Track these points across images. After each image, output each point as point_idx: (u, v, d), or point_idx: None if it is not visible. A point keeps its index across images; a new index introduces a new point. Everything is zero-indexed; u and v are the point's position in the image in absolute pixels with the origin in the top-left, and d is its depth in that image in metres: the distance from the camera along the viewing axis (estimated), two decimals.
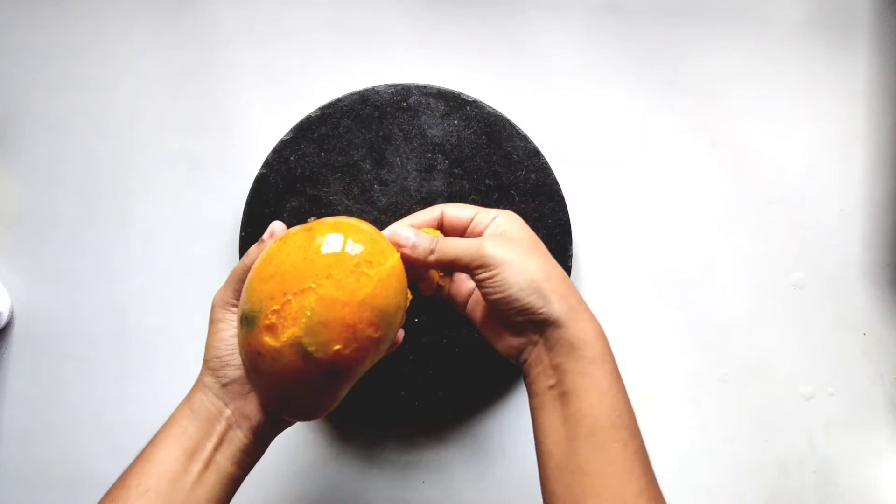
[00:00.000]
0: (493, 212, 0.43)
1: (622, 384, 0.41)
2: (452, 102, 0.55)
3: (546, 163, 0.55)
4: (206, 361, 0.42)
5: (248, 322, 0.37)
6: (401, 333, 0.44)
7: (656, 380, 0.58)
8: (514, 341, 0.41)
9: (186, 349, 0.57)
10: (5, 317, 0.56)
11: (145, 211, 0.58)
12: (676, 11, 0.58)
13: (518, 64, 0.58)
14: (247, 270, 0.41)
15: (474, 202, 0.54)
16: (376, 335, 0.37)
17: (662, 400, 0.57)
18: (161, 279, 0.57)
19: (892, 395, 0.58)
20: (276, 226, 0.43)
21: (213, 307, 0.42)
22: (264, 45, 0.58)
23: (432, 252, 0.41)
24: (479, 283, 0.40)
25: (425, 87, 0.55)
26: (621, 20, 0.58)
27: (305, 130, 0.55)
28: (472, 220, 0.43)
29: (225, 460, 0.40)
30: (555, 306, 0.39)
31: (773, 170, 0.58)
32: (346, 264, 0.37)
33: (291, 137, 0.55)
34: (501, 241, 0.41)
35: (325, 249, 0.37)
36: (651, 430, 0.57)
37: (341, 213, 0.54)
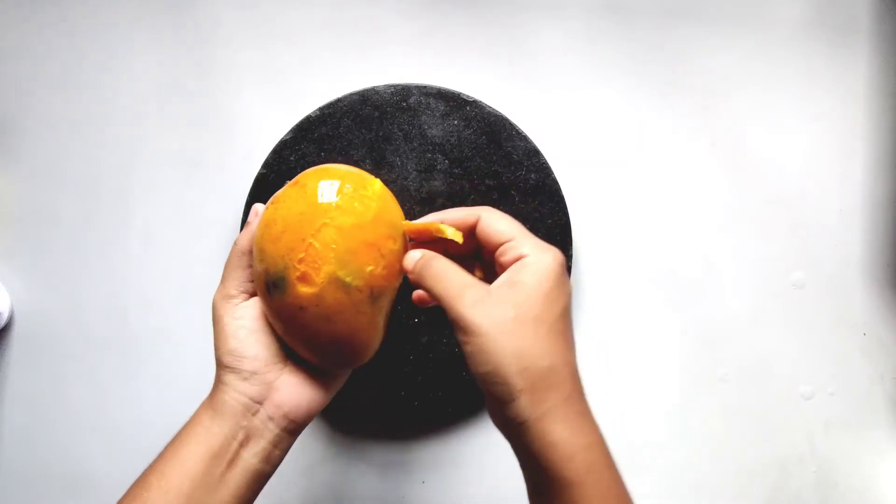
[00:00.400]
0: (527, 245, 0.36)
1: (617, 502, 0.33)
2: (452, 102, 0.55)
3: (546, 163, 0.55)
4: (219, 360, 0.40)
5: (276, 287, 0.38)
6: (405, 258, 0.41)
7: (656, 380, 0.58)
8: (494, 417, 0.35)
9: (186, 349, 0.57)
10: (5, 317, 0.56)
11: (145, 211, 0.58)
12: (676, 11, 0.58)
13: (518, 64, 0.58)
14: (242, 257, 0.40)
15: (474, 202, 0.54)
16: (396, 247, 0.39)
17: (662, 400, 0.57)
18: (161, 279, 0.57)
19: (892, 395, 0.58)
20: (258, 206, 0.42)
21: (213, 306, 0.41)
22: (264, 45, 0.58)
23: (412, 270, 0.38)
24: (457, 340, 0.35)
25: (425, 87, 0.55)
26: (621, 20, 0.58)
27: (305, 130, 0.55)
28: (505, 244, 0.37)
29: (252, 457, 0.39)
30: (519, 406, 0.32)
31: (773, 170, 0.58)
32: (347, 194, 0.38)
33: (291, 137, 0.55)
34: (493, 301, 0.33)
35: (321, 190, 0.38)
36: (651, 431, 0.57)
37: None
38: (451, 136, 0.55)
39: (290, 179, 0.54)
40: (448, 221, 0.40)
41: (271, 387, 0.39)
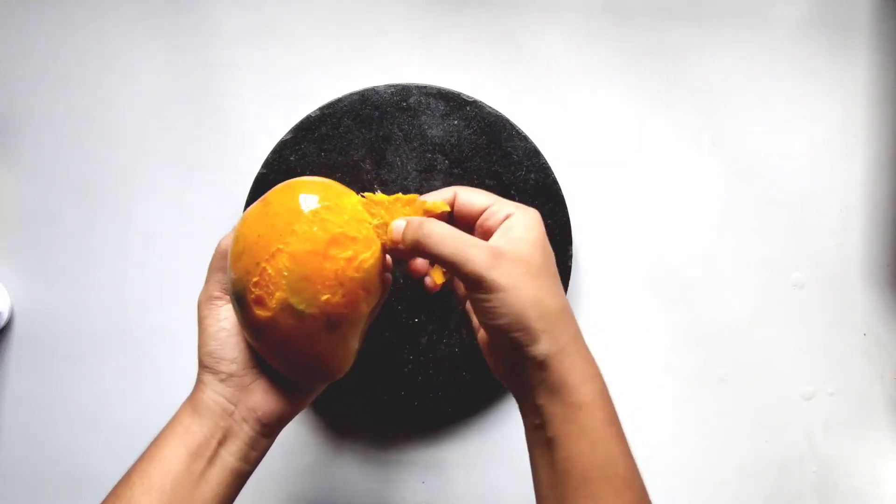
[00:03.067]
0: (509, 206, 0.39)
1: (617, 429, 0.37)
2: (452, 102, 0.55)
3: (546, 163, 0.55)
4: (200, 360, 0.41)
5: (239, 303, 0.38)
6: (388, 277, 0.42)
7: (656, 380, 0.58)
8: (501, 368, 0.39)
9: (186, 349, 0.57)
10: (5, 317, 0.56)
11: (146, 211, 0.58)
12: (676, 12, 0.58)
13: (518, 64, 0.58)
14: (221, 259, 0.41)
15: None
16: (359, 274, 0.37)
17: (662, 400, 0.57)
18: (161, 279, 0.57)
19: (892, 395, 0.58)
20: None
21: (198, 306, 0.42)
22: (264, 46, 0.58)
23: (402, 240, 0.37)
24: (472, 302, 0.37)
25: (425, 87, 0.55)
26: (621, 21, 0.58)
27: (305, 130, 0.55)
28: (486, 210, 0.39)
29: (230, 456, 0.39)
30: (541, 346, 0.36)
31: (773, 170, 0.58)
32: (305, 216, 0.37)
33: (291, 137, 0.55)
34: (508, 260, 0.36)
35: (280, 210, 0.37)
36: (651, 431, 0.57)
37: None
38: (451, 137, 0.55)
39: (290, 179, 0.54)
40: (428, 202, 0.40)
41: (246, 390, 0.40)
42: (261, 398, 0.40)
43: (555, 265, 0.38)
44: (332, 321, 0.37)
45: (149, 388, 0.57)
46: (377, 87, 0.55)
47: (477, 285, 0.35)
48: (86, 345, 0.57)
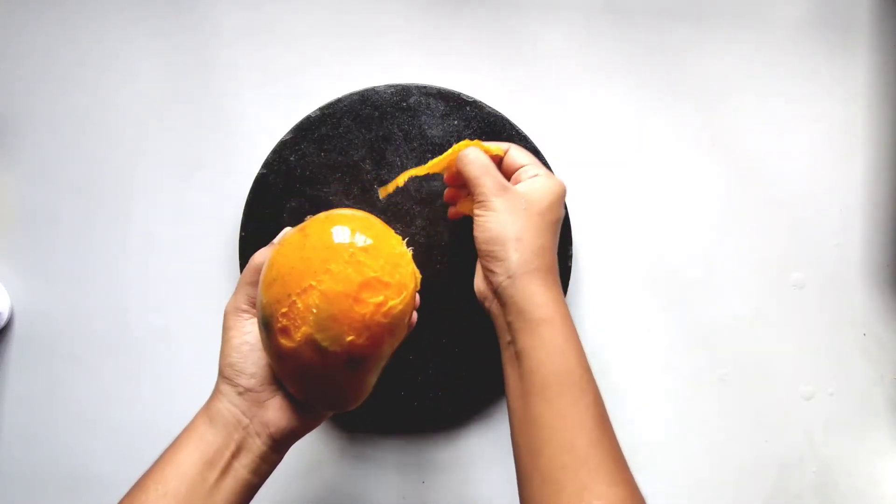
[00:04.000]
0: (541, 169, 0.46)
1: (574, 344, 0.42)
2: (452, 102, 0.55)
3: (546, 163, 0.55)
4: (220, 370, 0.42)
5: (265, 328, 0.38)
6: (414, 316, 0.44)
7: (656, 380, 0.58)
8: (481, 285, 0.45)
9: (186, 349, 0.57)
10: (5, 317, 0.56)
11: (145, 211, 0.58)
12: (676, 12, 0.58)
13: (518, 64, 0.58)
14: (254, 273, 0.42)
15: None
16: (386, 320, 0.38)
17: (662, 400, 0.57)
18: (161, 279, 0.57)
19: (892, 395, 0.58)
20: (287, 230, 0.44)
21: (224, 315, 0.43)
22: (264, 46, 0.58)
23: (461, 160, 0.46)
24: (474, 221, 0.44)
25: (425, 87, 0.55)
26: (621, 21, 0.58)
27: (305, 130, 0.55)
28: (523, 168, 0.46)
29: (242, 468, 0.40)
30: (510, 264, 0.42)
31: (773, 170, 0.58)
32: (341, 255, 0.37)
33: (291, 137, 0.55)
34: (513, 194, 0.44)
35: (318, 245, 0.38)
36: (651, 431, 0.57)
37: None
38: (451, 136, 0.55)
39: (289, 179, 0.55)
40: (484, 148, 0.47)
41: (262, 405, 0.41)
42: (274, 415, 0.41)
43: (557, 226, 0.45)
44: (353, 360, 0.38)
45: (148, 388, 0.57)
46: (377, 87, 0.55)
47: (482, 203, 0.43)
48: (86, 345, 0.57)
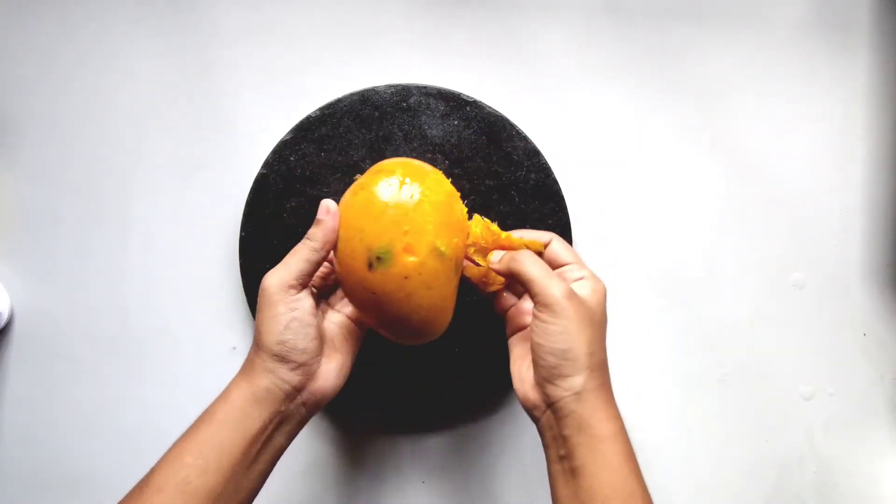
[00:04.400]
0: (585, 270, 0.44)
1: (635, 465, 0.40)
2: (452, 102, 0.55)
3: (546, 163, 0.55)
4: (266, 347, 0.42)
5: (380, 261, 0.41)
6: None
7: (656, 380, 0.58)
8: (531, 394, 0.42)
9: (186, 349, 0.57)
10: (5, 317, 0.56)
11: (145, 211, 0.58)
12: (676, 12, 0.58)
13: (518, 64, 0.58)
14: (314, 252, 0.43)
15: (474, 202, 0.54)
16: (464, 222, 0.45)
17: (662, 400, 0.57)
18: (161, 279, 0.57)
19: (892, 395, 0.58)
20: (329, 203, 0.44)
21: (267, 291, 0.43)
22: (264, 46, 0.58)
23: (498, 264, 0.45)
24: (534, 317, 0.41)
25: (425, 87, 0.55)
26: (621, 21, 0.58)
27: (305, 131, 0.55)
28: (567, 266, 0.45)
29: (280, 436, 0.42)
30: (581, 379, 0.40)
31: (773, 170, 0.58)
32: (430, 177, 0.44)
33: (291, 138, 0.55)
34: (579, 302, 0.41)
35: (407, 177, 0.43)
36: (651, 431, 0.57)
37: None
38: (451, 137, 0.55)
39: (290, 179, 0.55)
40: (527, 237, 0.46)
41: (313, 377, 0.43)
42: (323, 381, 0.43)
43: (606, 329, 0.44)
44: (457, 263, 0.43)
45: (149, 388, 0.57)
46: (377, 87, 0.55)
47: (550, 308, 0.41)
48: (86, 345, 0.57)
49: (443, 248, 0.42)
